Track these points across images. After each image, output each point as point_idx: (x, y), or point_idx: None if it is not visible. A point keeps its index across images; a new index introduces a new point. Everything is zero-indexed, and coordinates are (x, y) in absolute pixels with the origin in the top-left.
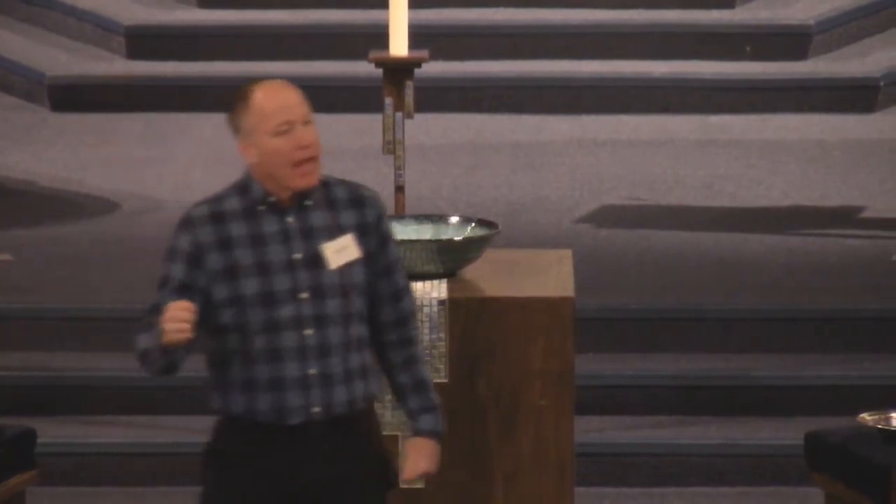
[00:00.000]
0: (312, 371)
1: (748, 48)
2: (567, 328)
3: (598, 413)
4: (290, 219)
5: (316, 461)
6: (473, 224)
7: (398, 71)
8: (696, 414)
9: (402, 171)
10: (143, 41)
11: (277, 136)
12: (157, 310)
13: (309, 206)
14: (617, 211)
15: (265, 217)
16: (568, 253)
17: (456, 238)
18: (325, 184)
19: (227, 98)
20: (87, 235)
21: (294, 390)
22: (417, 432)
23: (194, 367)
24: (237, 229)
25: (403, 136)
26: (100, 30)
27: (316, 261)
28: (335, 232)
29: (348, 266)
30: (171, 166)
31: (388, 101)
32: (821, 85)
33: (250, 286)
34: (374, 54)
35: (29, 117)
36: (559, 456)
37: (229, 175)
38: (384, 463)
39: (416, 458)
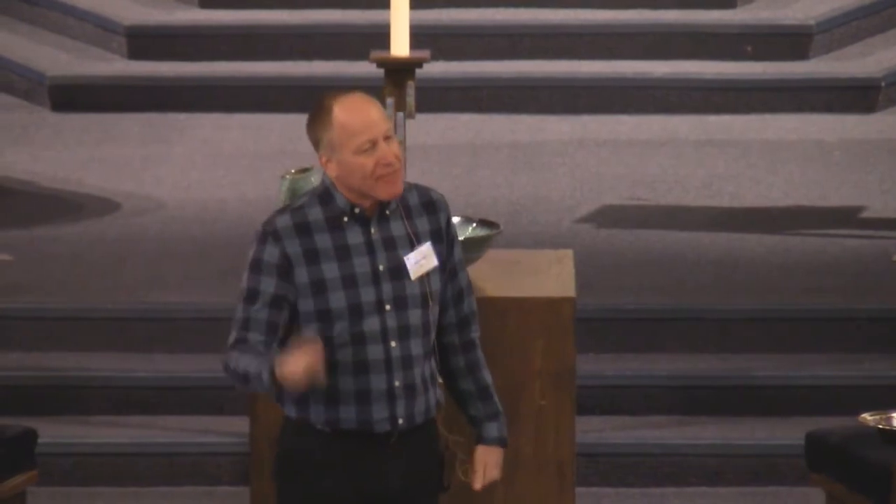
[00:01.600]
0: (397, 383)
1: (749, 48)
2: (567, 328)
3: (597, 413)
4: (373, 229)
5: (393, 468)
6: (474, 224)
7: (399, 71)
8: (696, 414)
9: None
10: (144, 41)
11: (360, 153)
12: (249, 325)
13: (388, 214)
14: (617, 211)
15: (349, 228)
16: (568, 253)
17: None
18: None
19: (227, 98)
20: (86, 235)
21: (380, 402)
22: (484, 441)
23: (193, 368)
24: (322, 241)
25: (405, 137)
26: (100, 30)
27: (399, 272)
28: (413, 240)
29: (427, 275)
30: (171, 166)
31: (390, 101)
32: (821, 85)
33: (337, 300)
34: (375, 54)
35: (29, 117)
36: (559, 456)
37: (229, 175)
38: (442, 467)
39: (486, 467)
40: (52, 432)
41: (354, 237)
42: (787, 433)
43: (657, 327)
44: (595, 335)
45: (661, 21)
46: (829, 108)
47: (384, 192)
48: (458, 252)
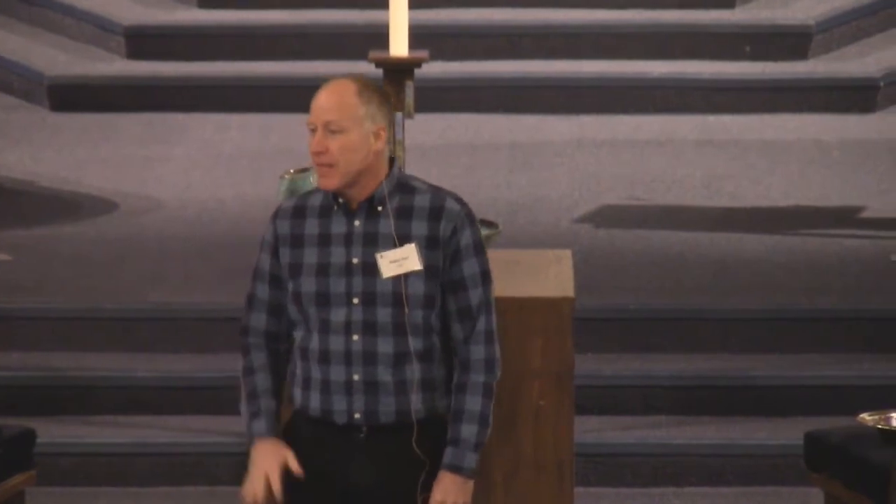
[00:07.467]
0: (356, 377)
1: (748, 48)
2: (566, 328)
3: (596, 413)
4: (357, 222)
5: (359, 465)
6: None
7: (398, 71)
8: (695, 414)
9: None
10: (143, 41)
11: (309, 134)
12: (253, 303)
13: (380, 211)
14: (616, 211)
15: (336, 218)
16: (567, 253)
17: None
18: (412, 189)
19: (226, 98)
20: (86, 235)
21: (339, 394)
22: (440, 464)
23: (194, 368)
24: (310, 227)
25: (403, 136)
26: (99, 30)
27: (372, 267)
28: (400, 241)
29: (406, 277)
30: (171, 166)
31: None
32: (820, 85)
33: (308, 285)
34: (374, 54)
35: (28, 117)
36: (558, 456)
37: (228, 175)
38: (421, 478)
39: (435, 490)
40: (53, 432)
41: (338, 227)
42: (787, 433)
43: (656, 327)
44: (594, 335)
45: (661, 21)
46: (828, 107)
47: (319, 181)
48: (469, 267)
